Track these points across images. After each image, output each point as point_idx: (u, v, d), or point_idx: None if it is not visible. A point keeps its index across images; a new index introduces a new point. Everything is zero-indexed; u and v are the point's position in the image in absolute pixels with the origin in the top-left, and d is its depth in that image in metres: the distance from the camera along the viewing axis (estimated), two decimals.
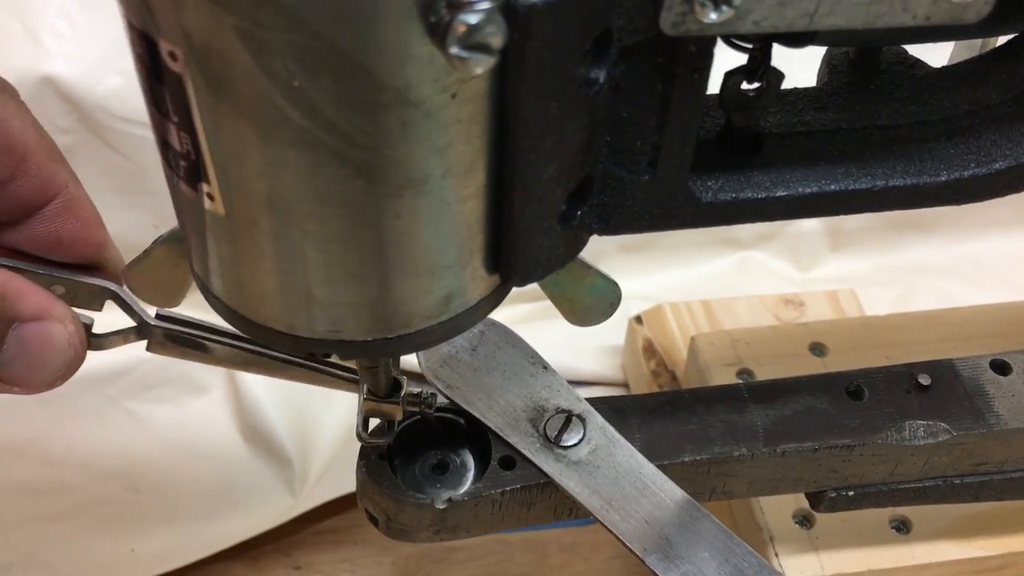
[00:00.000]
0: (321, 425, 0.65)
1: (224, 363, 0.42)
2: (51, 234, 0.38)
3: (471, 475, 0.44)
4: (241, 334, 0.41)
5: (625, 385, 0.72)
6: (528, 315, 0.70)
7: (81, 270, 0.39)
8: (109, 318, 0.41)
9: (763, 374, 0.62)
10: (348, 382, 0.43)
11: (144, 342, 0.42)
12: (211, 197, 0.28)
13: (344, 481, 0.62)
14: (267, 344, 0.32)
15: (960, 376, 0.47)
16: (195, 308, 0.42)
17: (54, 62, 0.62)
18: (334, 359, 0.43)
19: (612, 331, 0.70)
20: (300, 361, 0.42)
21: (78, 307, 0.39)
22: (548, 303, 0.39)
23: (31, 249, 0.38)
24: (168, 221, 0.33)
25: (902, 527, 0.56)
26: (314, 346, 0.31)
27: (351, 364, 0.43)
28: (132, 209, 0.66)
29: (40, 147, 0.37)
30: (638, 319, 0.70)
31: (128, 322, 0.41)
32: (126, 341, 0.41)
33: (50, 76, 0.62)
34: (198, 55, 0.24)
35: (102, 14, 0.64)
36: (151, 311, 0.41)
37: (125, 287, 0.40)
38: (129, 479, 0.63)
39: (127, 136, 0.64)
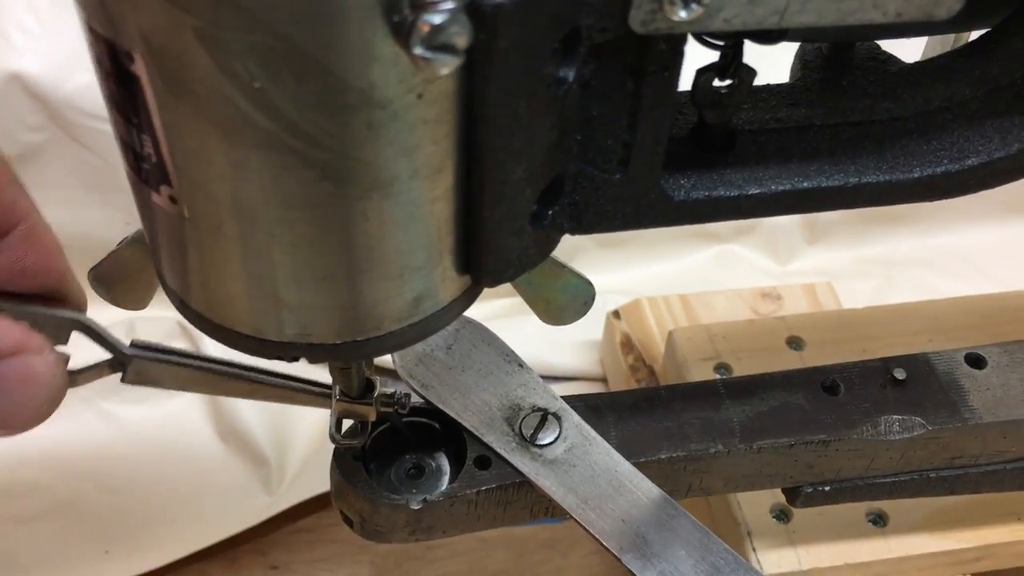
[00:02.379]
0: (297, 424, 0.65)
1: (202, 390, 0.41)
2: (14, 263, 0.35)
3: (447, 479, 0.44)
4: (221, 357, 0.40)
5: (603, 380, 0.72)
6: (505, 310, 0.70)
7: (44, 301, 0.36)
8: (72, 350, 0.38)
9: (741, 368, 0.62)
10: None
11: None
12: (174, 200, 0.28)
13: (321, 480, 0.62)
14: (234, 348, 0.32)
15: (935, 370, 0.48)
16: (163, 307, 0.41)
17: (22, 58, 0.61)
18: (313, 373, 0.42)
19: (590, 326, 0.70)
20: (281, 381, 0.41)
21: None
22: None
23: None
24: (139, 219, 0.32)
25: (879, 520, 0.56)
26: (282, 350, 0.31)
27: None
28: (103, 207, 0.66)
29: (2, 172, 0.33)
30: (616, 314, 0.70)
31: (101, 355, 0.38)
32: (100, 375, 0.39)
33: (18, 73, 0.61)
34: (156, 57, 0.24)
35: (70, 10, 0.62)
36: (126, 340, 0.39)
37: (93, 319, 0.37)
38: (103, 479, 0.62)
39: (97, 133, 0.63)
